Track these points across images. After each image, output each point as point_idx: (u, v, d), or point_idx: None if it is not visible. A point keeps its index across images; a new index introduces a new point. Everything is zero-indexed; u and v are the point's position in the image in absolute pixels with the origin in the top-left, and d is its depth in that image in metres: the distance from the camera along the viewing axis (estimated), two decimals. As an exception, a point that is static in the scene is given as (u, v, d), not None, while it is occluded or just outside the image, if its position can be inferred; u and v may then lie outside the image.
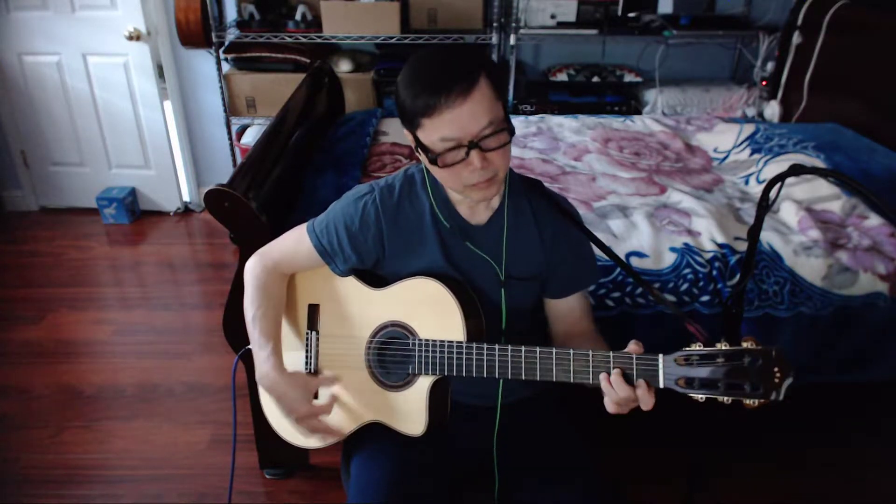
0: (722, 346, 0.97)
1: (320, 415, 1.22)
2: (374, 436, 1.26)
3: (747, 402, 0.95)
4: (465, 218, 1.22)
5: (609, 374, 1.04)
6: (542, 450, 1.28)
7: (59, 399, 2.29)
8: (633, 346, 1.05)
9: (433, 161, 1.08)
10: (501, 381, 1.24)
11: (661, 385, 1.01)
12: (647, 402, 1.01)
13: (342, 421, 1.27)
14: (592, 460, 1.26)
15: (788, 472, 2.00)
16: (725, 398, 0.96)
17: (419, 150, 1.11)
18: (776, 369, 0.94)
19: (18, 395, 2.30)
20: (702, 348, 0.98)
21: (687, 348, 0.99)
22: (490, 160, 1.07)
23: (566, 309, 1.29)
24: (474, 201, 1.17)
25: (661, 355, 1.01)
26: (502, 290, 1.22)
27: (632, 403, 1.04)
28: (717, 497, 1.86)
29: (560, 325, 1.31)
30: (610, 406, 1.05)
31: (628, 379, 1.03)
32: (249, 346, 1.41)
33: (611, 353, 1.05)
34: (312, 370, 1.30)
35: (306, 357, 1.30)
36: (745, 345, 0.96)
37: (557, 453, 1.27)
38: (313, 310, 1.31)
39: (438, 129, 1.05)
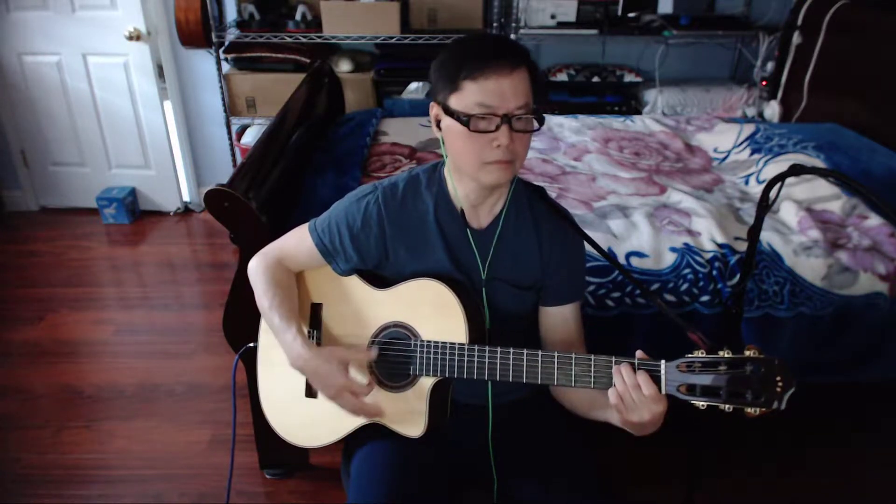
0: (724, 353, 0.97)
1: (359, 393, 1.18)
2: (373, 436, 1.26)
3: (749, 410, 0.95)
4: (466, 221, 1.22)
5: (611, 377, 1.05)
6: (540, 449, 1.28)
7: (59, 399, 2.29)
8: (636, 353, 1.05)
9: (464, 123, 1.07)
10: (491, 380, 1.23)
11: (664, 391, 1.01)
12: (649, 386, 1.01)
13: (342, 420, 1.26)
14: (590, 460, 1.26)
15: (788, 472, 2.00)
16: (727, 406, 0.96)
17: (446, 116, 1.10)
18: (778, 378, 0.94)
19: (18, 395, 2.30)
20: (704, 355, 0.98)
21: (689, 355, 0.99)
22: (514, 142, 1.08)
23: (560, 319, 1.28)
24: (484, 185, 1.15)
25: (663, 361, 1.02)
26: (483, 289, 1.22)
27: (637, 402, 1.03)
28: (717, 497, 1.85)
29: (553, 335, 1.29)
30: (613, 396, 1.05)
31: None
32: (250, 345, 1.41)
33: (613, 358, 1.05)
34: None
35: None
36: (747, 353, 0.96)
37: (555, 453, 1.27)
38: (316, 309, 1.31)
39: (479, 93, 1.06)
